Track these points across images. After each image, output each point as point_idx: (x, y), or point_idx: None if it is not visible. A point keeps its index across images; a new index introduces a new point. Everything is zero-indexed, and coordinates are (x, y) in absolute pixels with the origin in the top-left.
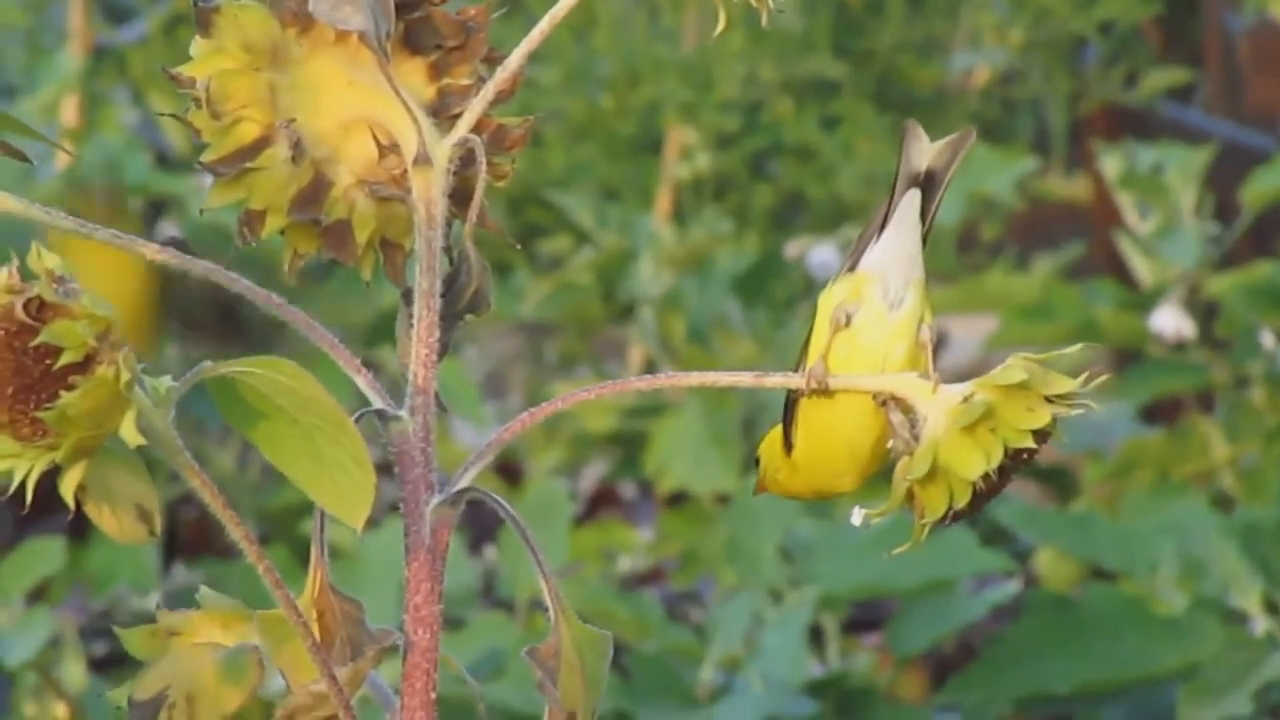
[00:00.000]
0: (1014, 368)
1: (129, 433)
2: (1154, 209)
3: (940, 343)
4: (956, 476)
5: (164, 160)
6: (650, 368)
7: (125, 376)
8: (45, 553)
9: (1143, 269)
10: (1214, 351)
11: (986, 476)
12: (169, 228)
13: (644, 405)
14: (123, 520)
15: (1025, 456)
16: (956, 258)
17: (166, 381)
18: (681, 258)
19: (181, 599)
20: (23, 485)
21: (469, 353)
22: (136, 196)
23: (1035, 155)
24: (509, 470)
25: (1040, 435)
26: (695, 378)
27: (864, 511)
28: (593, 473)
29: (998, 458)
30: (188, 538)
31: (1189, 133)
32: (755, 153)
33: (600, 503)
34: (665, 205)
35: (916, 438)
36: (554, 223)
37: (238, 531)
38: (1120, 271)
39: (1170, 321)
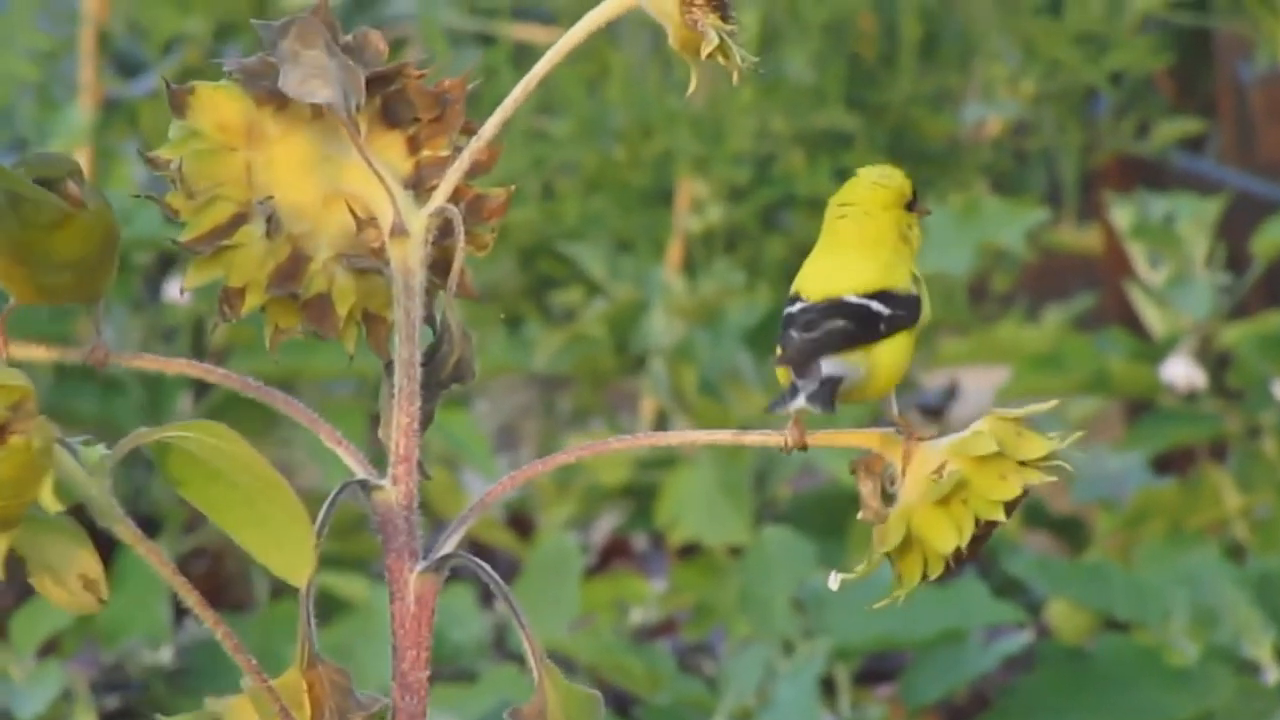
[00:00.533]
0: (985, 436)
1: (48, 500)
2: (1166, 259)
3: (952, 394)
4: (930, 548)
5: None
6: (662, 420)
7: (38, 444)
8: (55, 608)
9: (1154, 319)
10: (1226, 402)
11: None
12: (176, 284)
13: (656, 457)
14: (67, 590)
15: (998, 525)
16: (968, 309)
17: (100, 450)
18: (693, 309)
19: (194, 653)
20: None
21: (481, 405)
22: (145, 251)
23: (1047, 206)
24: (521, 523)
25: (1011, 506)
26: (674, 437)
27: (840, 575)
28: (605, 525)
29: (970, 530)
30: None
31: (1201, 183)
32: (767, 205)
33: (612, 555)
34: (677, 257)
35: (890, 499)
36: (566, 274)
37: (190, 599)
38: (1132, 322)
39: (1182, 372)
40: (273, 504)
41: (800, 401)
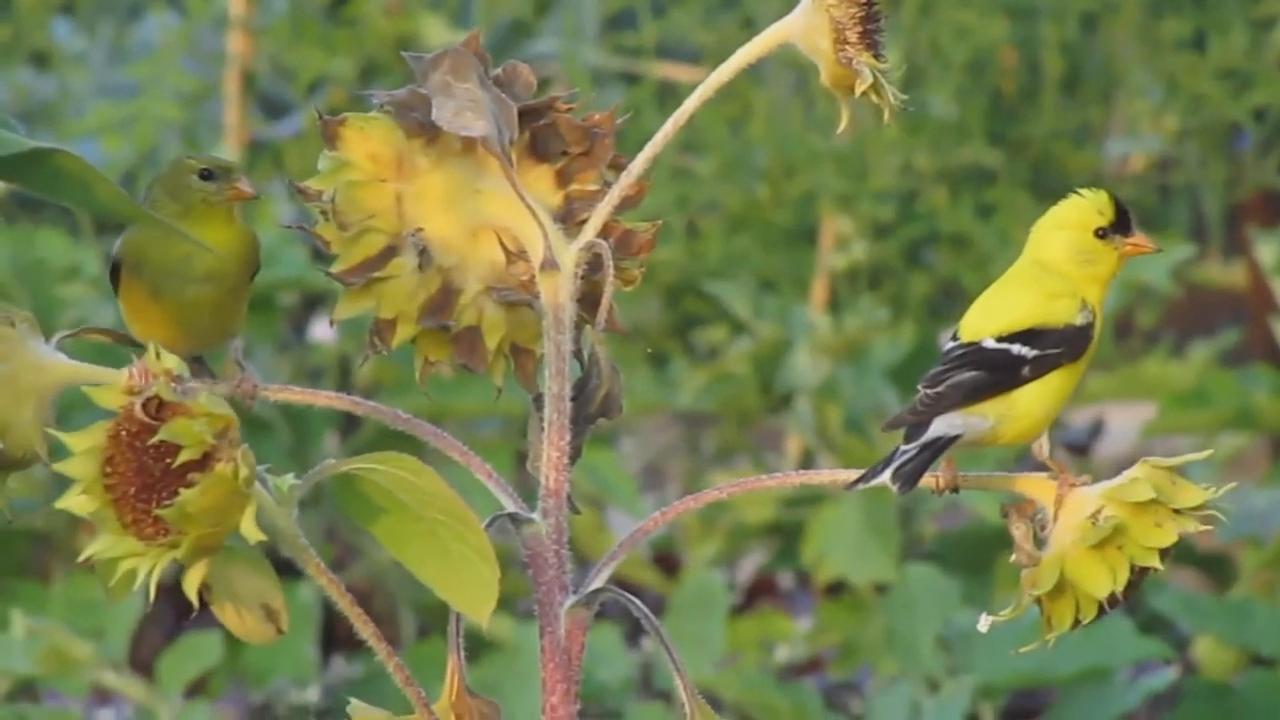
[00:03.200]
0: (1142, 483)
1: (249, 529)
2: None
3: (1097, 431)
4: (1083, 592)
5: (319, 255)
6: (807, 458)
7: (244, 473)
8: (204, 647)
9: None
10: None
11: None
12: (321, 324)
13: (801, 495)
14: (248, 619)
15: (1151, 570)
16: (1114, 345)
17: (289, 479)
18: (838, 347)
19: (341, 692)
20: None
21: (626, 444)
22: (290, 290)
23: (1191, 242)
24: (667, 562)
25: (1166, 552)
26: (825, 475)
27: (990, 618)
28: (750, 563)
29: (1125, 576)
30: (346, 630)
31: None
32: (911, 241)
33: (758, 593)
34: (821, 295)
35: (1041, 543)
36: (711, 313)
37: (366, 630)
38: (1277, 357)
39: None
40: (459, 539)
41: (885, 478)
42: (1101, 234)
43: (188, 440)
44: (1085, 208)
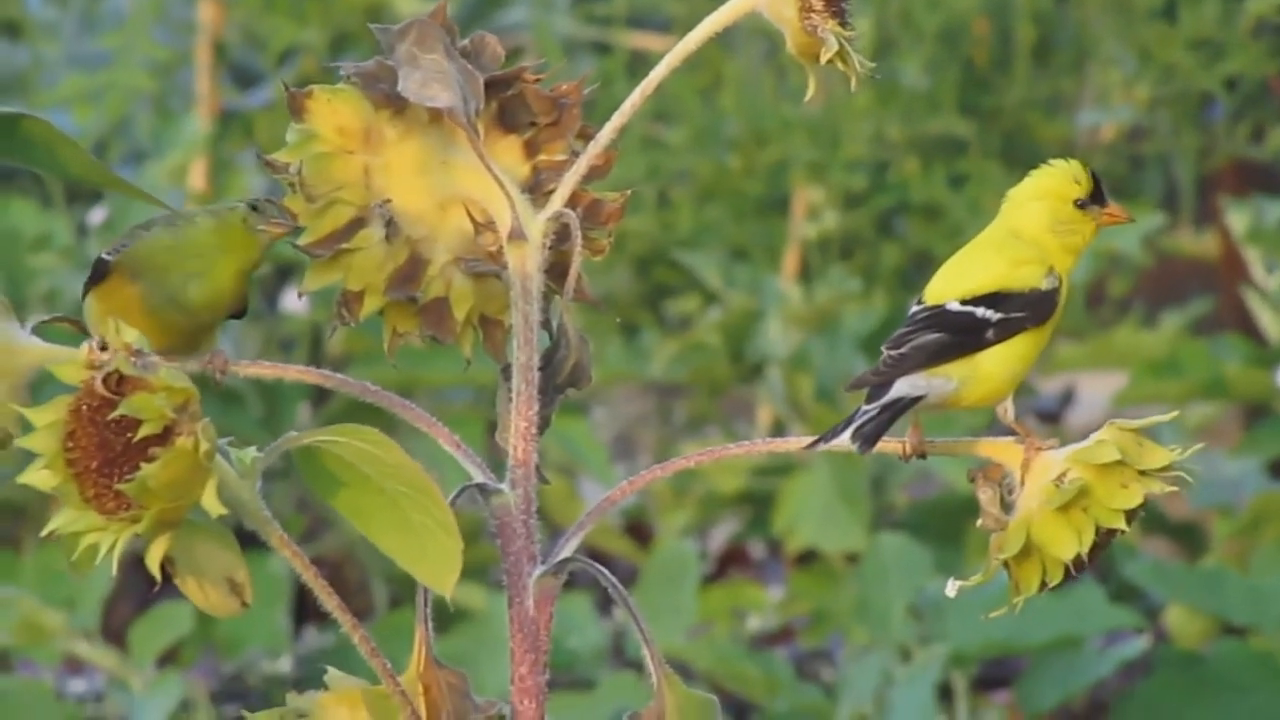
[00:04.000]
0: (1107, 445)
1: (210, 503)
2: None
3: (1068, 399)
4: (1049, 555)
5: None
6: (779, 428)
7: (205, 447)
8: (175, 617)
9: (1271, 324)
10: None
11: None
12: (292, 295)
13: (772, 465)
14: (212, 593)
15: (1118, 533)
16: (1085, 314)
17: (252, 453)
18: (809, 317)
19: (313, 662)
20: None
21: (598, 414)
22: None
23: (1163, 211)
24: (639, 531)
25: (1132, 513)
26: (794, 443)
27: (958, 583)
28: (722, 532)
29: (1090, 538)
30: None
31: None
32: (882, 211)
33: (730, 562)
34: (793, 265)
35: (1008, 508)
36: (682, 283)
37: (331, 601)
38: (1249, 326)
39: None
40: (422, 511)
41: (845, 436)
42: (1080, 204)
43: (148, 414)
44: (1063, 178)
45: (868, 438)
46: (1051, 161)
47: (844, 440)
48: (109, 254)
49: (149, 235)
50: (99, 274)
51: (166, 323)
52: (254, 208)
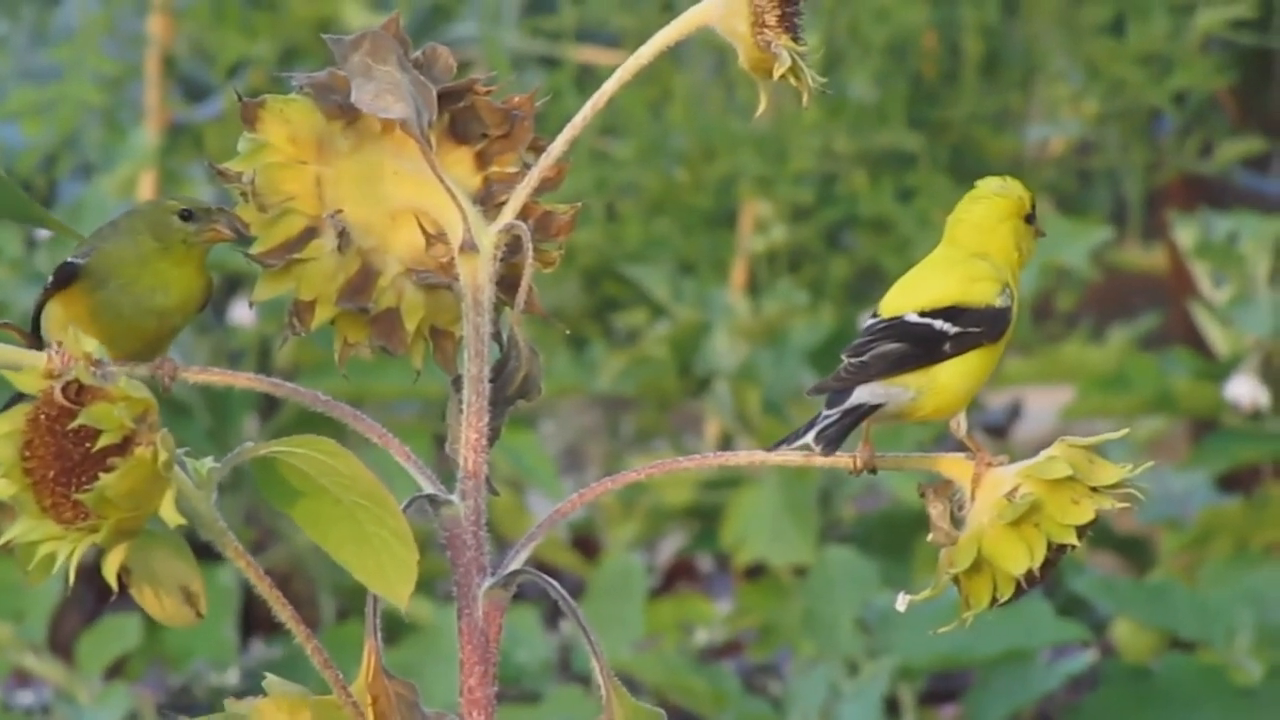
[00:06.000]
0: (1059, 461)
1: (169, 513)
2: (1229, 278)
3: (1015, 413)
4: (1000, 570)
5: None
6: (726, 441)
7: (164, 457)
8: (123, 630)
9: (1218, 338)
10: None
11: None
12: (241, 306)
13: (720, 478)
14: (167, 603)
15: (1068, 548)
16: (1032, 328)
17: (208, 463)
18: (757, 330)
19: (260, 674)
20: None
21: (546, 427)
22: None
23: (1111, 226)
24: (586, 544)
25: (1083, 529)
26: (743, 457)
27: (908, 597)
28: (670, 546)
29: (1041, 553)
30: (265, 613)
31: (1264, 202)
32: (830, 225)
33: (677, 575)
34: (740, 278)
35: (959, 523)
36: (630, 296)
37: (284, 613)
38: (1196, 341)
39: (1246, 390)
40: (377, 522)
41: (808, 439)
42: (1029, 219)
43: (107, 424)
44: (1016, 197)
45: (830, 440)
46: (990, 180)
47: (800, 448)
48: (76, 259)
49: (111, 244)
50: (65, 278)
51: (133, 328)
52: (186, 216)
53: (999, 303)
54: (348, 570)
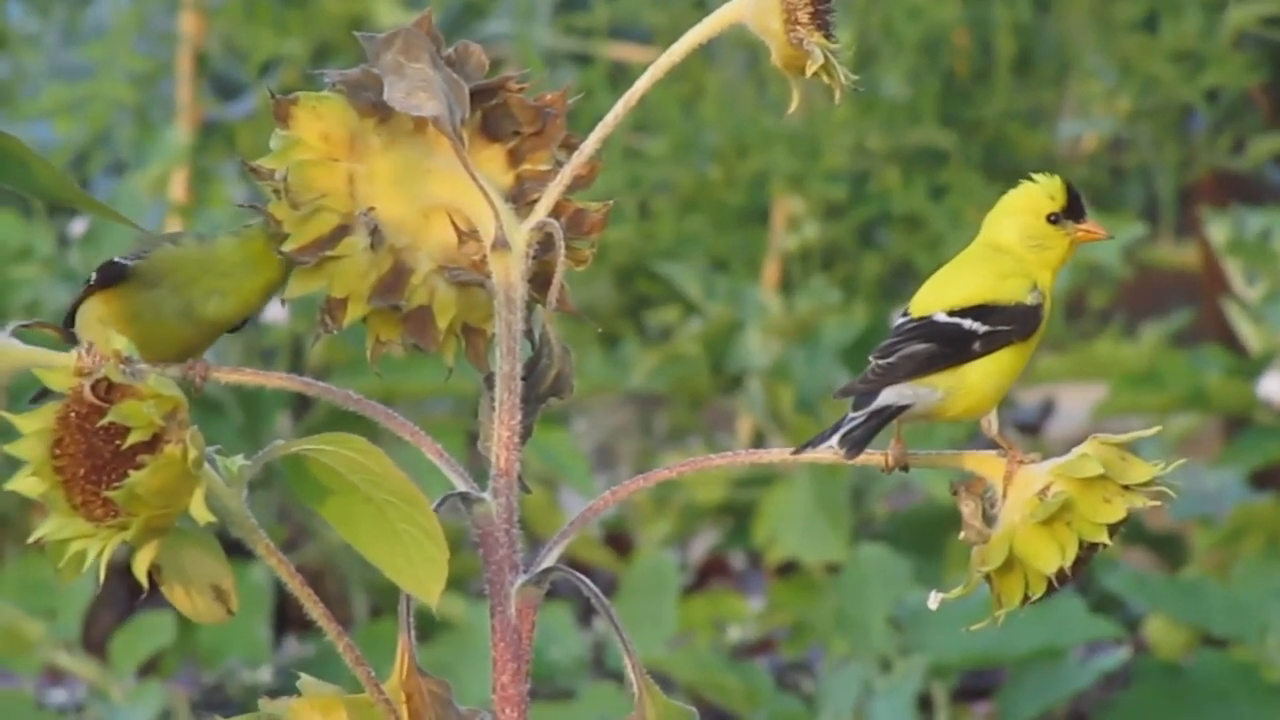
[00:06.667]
0: (1091, 459)
1: (199, 510)
2: (1262, 275)
3: (1048, 411)
4: (1032, 568)
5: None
6: (759, 439)
7: (193, 454)
8: (156, 627)
9: (1251, 335)
10: None
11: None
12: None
13: (753, 476)
14: (198, 600)
15: (1100, 546)
16: (1065, 326)
17: (239, 461)
18: (789, 328)
19: (293, 671)
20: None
21: (579, 425)
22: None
23: (1144, 222)
24: (619, 541)
25: (1115, 527)
26: (775, 454)
27: (940, 595)
28: (702, 543)
29: (1073, 552)
30: (298, 610)
31: None
32: (863, 222)
33: (710, 573)
34: (773, 275)
35: (990, 521)
36: (663, 294)
37: (316, 610)
38: (1229, 338)
39: (1278, 388)
40: (408, 520)
41: (833, 442)
42: (1053, 219)
43: (137, 422)
44: (1037, 193)
45: (855, 443)
46: (1032, 176)
47: (826, 450)
48: (127, 259)
49: (177, 246)
50: (110, 277)
51: (172, 334)
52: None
53: (1029, 300)
54: (378, 568)
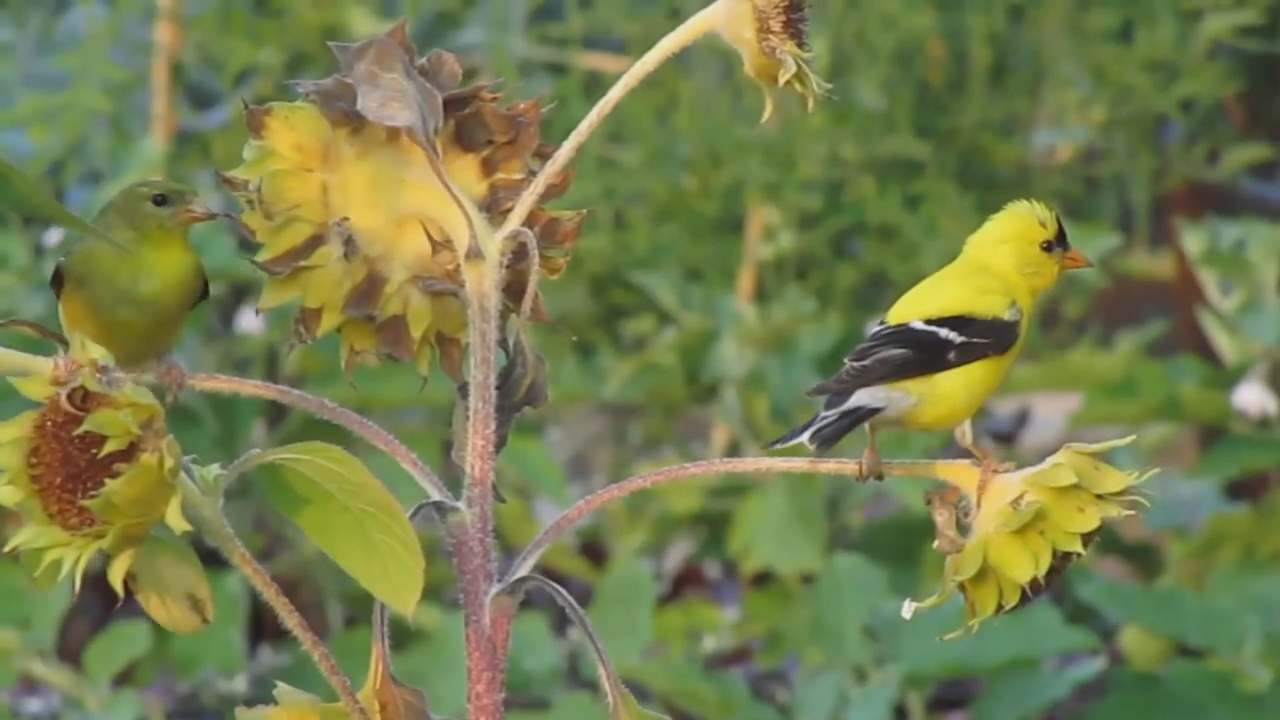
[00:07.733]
0: (1064, 468)
1: (175, 519)
2: (1236, 285)
3: (1023, 420)
4: (1006, 578)
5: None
6: (734, 448)
7: (169, 463)
8: (131, 636)
9: (1226, 346)
10: None
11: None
12: (249, 314)
13: (728, 485)
14: (174, 609)
15: (1074, 556)
16: (1040, 335)
17: (215, 470)
18: (764, 337)
19: (268, 681)
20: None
21: (553, 434)
22: (217, 282)
23: (1118, 232)
24: (594, 551)
25: (1089, 537)
26: (750, 463)
27: (914, 604)
28: (677, 553)
29: (1046, 561)
30: (273, 620)
31: (1271, 209)
32: (838, 232)
33: (685, 582)
34: (748, 285)
35: (965, 530)
36: (637, 303)
37: (291, 619)
38: (1204, 348)
39: (1254, 398)
40: (384, 529)
41: (804, 438)
42: (1046, 247)
43: (113, 430)
44: (1029, 221)
45: (826, 440)
46: (1017, 203)
47: (800, 459)
48: (60, 261)
49: (84, 242)
50: (55, 281)
51: (131, 320)
52: (160, 200)
53: (1007, 316)
54: (354, 577)
